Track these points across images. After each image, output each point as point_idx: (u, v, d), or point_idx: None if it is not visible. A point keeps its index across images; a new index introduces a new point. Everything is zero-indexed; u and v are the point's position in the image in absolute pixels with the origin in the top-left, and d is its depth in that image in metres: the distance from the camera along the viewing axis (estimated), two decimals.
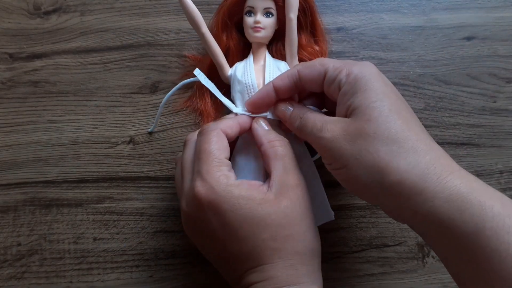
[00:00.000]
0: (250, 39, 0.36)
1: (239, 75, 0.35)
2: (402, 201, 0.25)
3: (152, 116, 0.39)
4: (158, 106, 0.39)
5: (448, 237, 0.24)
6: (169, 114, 0.39)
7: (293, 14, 0.35)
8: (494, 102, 0.39)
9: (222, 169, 0.28)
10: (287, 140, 0.31)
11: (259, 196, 0.27)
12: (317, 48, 0.38)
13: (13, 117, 0.39)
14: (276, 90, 0.31)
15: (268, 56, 0.36)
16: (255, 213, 0.27)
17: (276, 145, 0.30)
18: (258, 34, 0.35)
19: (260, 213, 0.27)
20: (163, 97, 0.39)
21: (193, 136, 0.32)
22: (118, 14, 0.40)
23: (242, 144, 0.34)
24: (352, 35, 0.39)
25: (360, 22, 0.39)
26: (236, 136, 0.32)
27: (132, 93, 0.39)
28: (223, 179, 0.27)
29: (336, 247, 0.37)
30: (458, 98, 0.39)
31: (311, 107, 0.32)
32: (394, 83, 0.38)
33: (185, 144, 0.32)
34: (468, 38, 0.39)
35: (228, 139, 0.30)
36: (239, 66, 0.36)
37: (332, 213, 0.34)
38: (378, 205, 0.29)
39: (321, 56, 0.37)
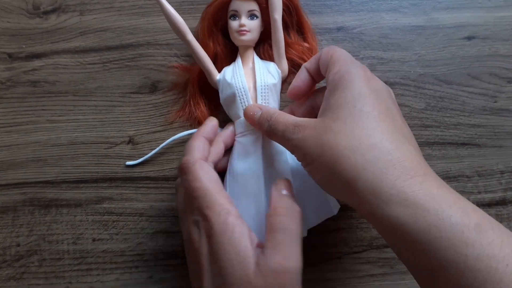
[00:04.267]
0: (237, 43, 0.36)
1: (228, 78, 0.34)
2: (359, 200, 0.24)
3: (151, 116, 0.39)
4: (158, 106, 0.39)
5: (404, 244, 0.23)
6: (168, 114, 0.39)
7: (277, 15, 0.34)
8: (495, 102, 0.39)
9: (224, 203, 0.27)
10: (298, 211, 0.28)
11: (249, 259, 0.25)
12: (306, 45, 0.38)
13: (12, 117, 0.39)
14: (309, 72, 0.32)
15: (256, 59, 0.36)
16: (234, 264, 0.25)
17: (279, 214, 0.27)
18: (244, 38, 0.35)
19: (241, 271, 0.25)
20: (163, 97, 0.39)
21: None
22: (117, 13, 0.40)
23: (240, 151, 0.34)
24: (353, 34, 0.39)
25: (360, 21, 0.39)
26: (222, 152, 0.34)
27: (131, 93, 0.39)
28: (224, 215, 0.27)
29: (336, 248, 0.37)
30: (459, 98, 0.39)
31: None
32: (395, 83, 0.38)
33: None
34: (469, 38, 0.39)
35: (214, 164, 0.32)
36: (228, 70, 0.35)
37: (335, 208, 0.33)
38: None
39: (312, 53, 0.37)
